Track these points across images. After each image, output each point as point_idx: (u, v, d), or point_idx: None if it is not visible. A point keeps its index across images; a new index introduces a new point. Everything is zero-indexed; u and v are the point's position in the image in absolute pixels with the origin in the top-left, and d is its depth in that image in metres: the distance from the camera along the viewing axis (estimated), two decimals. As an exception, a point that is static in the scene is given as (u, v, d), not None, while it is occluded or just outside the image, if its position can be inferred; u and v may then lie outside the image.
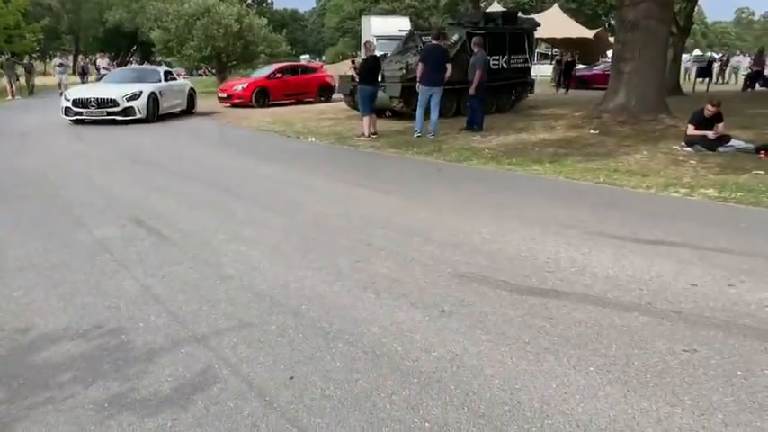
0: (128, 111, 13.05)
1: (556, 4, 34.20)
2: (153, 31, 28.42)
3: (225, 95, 19.22)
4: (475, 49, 11.34)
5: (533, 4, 44.34)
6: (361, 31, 36.98)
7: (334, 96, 20.38)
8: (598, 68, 27.29)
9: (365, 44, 11.52)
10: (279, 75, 20.00)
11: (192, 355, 2.84)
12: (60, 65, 24.71)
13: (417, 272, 3.95)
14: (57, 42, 48.11)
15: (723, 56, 34.01)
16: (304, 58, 61.08)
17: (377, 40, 18.13)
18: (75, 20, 45.41)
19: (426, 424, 2.30)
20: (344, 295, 3.57)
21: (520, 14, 16.35)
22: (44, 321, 3.23)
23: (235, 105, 18.67)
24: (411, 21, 31.56)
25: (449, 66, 10.47)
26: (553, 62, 29.23)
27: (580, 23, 32.86)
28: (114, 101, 12.97)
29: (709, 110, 8.84)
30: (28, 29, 25.87)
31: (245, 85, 19.01)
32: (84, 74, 28.18)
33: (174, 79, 16.32)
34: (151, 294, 3.60)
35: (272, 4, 65.86)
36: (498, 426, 2.28)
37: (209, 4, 26.22)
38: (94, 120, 12.95)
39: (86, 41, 47.91)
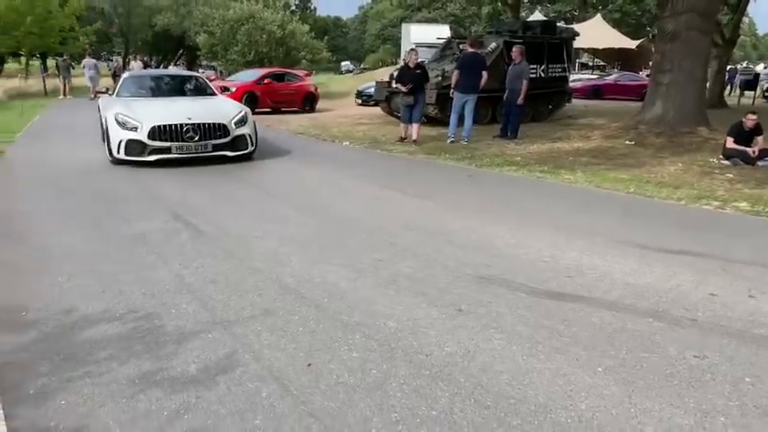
0: (237, 142, 8.62)
1: (598, 14, 33.86)
2: (199, 35, 29.32)
3: None
4: (517, 59, 11.31)
5: (576, 13, 43.90)
6: (401, 38, 37.34)
7: (318, 106, 19.71)
8: (610, 78, 26.85)
9: (412, 51, 11.26)
10: (267, 80, 18.30)
11: (218, 341, 3.03)
12: (93, 66, 22.12)
13: (438, 272, 4.06)
14: (108, 45, 49.89)
15: (733, 67, 31.76)
16: (345, 65, 62.05)
17: (416, 47, 18.25)
18: (125, 23, 47.00)
19: (433, 412, 2.42)
20: (365, 291, 3.71)
21: (559, 24, 16.28)
22: (85, 304, 3.46)
23: None
24: (451, 29, 31.63)
25: (484, 73, 10.54)
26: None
27: (623, 34, 32.41)
28: (224, 127, 8.42)
29: (750, 119, 8.73)
30: (81, 32, 27.11)
31: (234, 90, 17.07)
32: (116, 76, 24.16)
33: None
34: (184, 284, 3.81)
35: (314, 10, 66.92)
36: (502, 417, 2.38)
37: (254, 11, 26.98)
38: (185, 158, 8.25)
39: (135, 44, 49.50)
